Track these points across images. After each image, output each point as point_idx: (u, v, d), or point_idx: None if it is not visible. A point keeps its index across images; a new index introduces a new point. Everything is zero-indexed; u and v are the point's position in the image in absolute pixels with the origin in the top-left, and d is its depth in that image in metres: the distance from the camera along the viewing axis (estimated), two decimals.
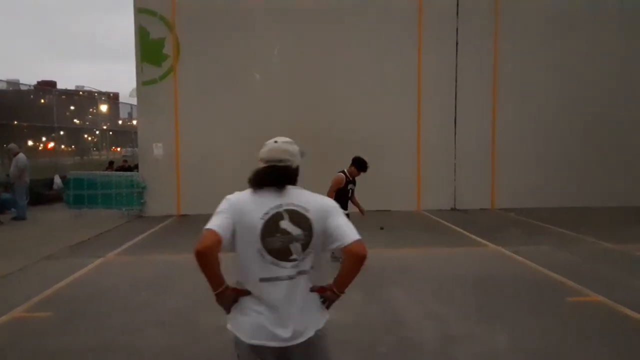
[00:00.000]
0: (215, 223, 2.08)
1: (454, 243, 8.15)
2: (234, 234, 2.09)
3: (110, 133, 25.56)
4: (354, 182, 6.73)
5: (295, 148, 2.26)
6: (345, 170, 6.67)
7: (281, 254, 2.10)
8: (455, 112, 11.81)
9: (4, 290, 5.74)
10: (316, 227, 2.11)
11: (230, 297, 2.17)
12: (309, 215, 2.12)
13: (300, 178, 2.24)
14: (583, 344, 4.04)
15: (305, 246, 2.11)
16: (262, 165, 2.21)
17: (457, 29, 11.67)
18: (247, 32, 11.52)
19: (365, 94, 11.54)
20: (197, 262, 2.06)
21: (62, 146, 19.97)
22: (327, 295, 2.22)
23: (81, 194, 11.45)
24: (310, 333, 2.13)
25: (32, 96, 20.35)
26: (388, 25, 11.68)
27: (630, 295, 5.17)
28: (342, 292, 2.23)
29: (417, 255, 7.08)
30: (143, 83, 11.43)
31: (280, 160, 2.18)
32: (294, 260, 2.11)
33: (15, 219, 10.95)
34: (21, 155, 11.18)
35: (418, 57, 11.69)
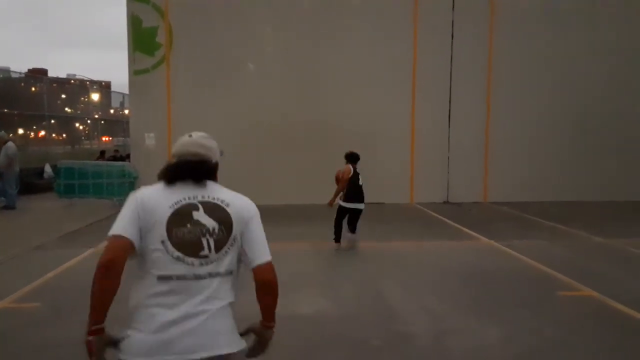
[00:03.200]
0: (120, 226, 1.80)
1: (447, 236, 8.17)
2: (141, 235, 1.79)
3: (102, 122, 25.30)
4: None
5: (213, 143, 2.05)
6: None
7: (190, 247, 1.77)
8: (450, 106, 11.79)
9: None
10: (236, 225, 1.84)
11: (103, 342, 1.78)
12: (229, 210, 1.85)
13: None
14: (574, 338, 4.05)
15: (220, 244, 1.80)
16: (174, 161, 1.95)
17: (452, 22, 11.62)
18: (241, 21, 11.40)
19: (360, 86, 11.48)
20: (96, 277, 1.74)
21: (53, 135, 19.77)
22: (259, 332, 1.97)
23: (72, 183, 11.33)
24: (215, 351, 1.74)
25: (22, 84, 20.08)
26: (383, 17, 11.60)
27: (621, 290, 5.20)
28: (272, 322, 2.02)
29: (410, 249, 7.07)
30: (135, 72, 11.28)
31: (196, 155, 1.93)
32: (205, 257, 1.78)
33: (4, 208, 10.81)
34: (10, 144, 11.02)
35: (413, 50, 11.63)
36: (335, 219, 6.92)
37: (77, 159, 13.71)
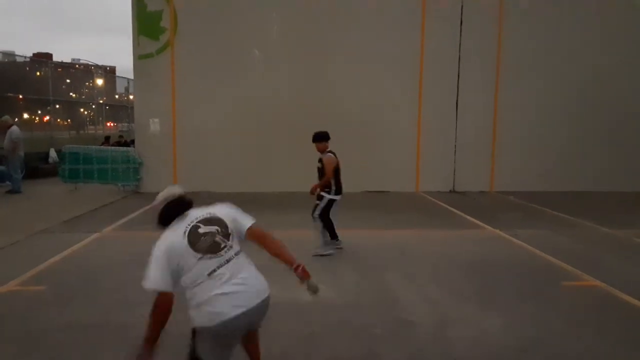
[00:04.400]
0: (157, 279, 2.56)
1: (452, 225, 8.13)
2: (174, 275, 2.54)
3: (107, 107, 25.27)
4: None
5: (177, 190, 2.81)
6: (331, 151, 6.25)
7: (213, 248, 2.56)
8: (457, 94, 11.66)
9: None
10: (225, 218, 2.70)
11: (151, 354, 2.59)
12: (216, 213, 2.71)
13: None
14: (578, 329, 4.03)
15: (226, 234, 2.63)
16: (162, 205, 2.72)
17: (461, 10, 11.44)
18: (246, 6, 11.27)
19: (367, 74, 11.36)
20: (156, 318, 2.58)
21: (58, 120, 19.76)
22: (299, 278, 2.74)
23: (77, 168, 11.36)
24: (266, 293, 2.64)
25: (27, 68, 20.04)
26: (392, 5, 11.44)
27: (626, 280, 5.17)
28: (295, 262, 2.73)
29: (415, 237, 7.04)
30: (139, 57, 11.21)
31: (178, 194, 2.77)
32: (225, 247, 2.59)
33: (10, 192, 10.87)
34: (14, 128, 11.04)
35: (421, 38, 11.48)
36: (325, 214, 6.11)
37: (82, 144, 13.72)
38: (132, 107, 16.67)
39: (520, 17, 11.51)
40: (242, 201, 9.44)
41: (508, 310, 4.39)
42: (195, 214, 2.69)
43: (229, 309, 2.46)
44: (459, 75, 11.62)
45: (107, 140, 16.21)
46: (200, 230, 2.59)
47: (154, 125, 11.41)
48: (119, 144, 15.46)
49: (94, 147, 12.43)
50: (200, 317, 2.50)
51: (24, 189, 11.07)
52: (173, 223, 2.66)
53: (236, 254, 2.62)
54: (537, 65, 11.64)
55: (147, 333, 2.56)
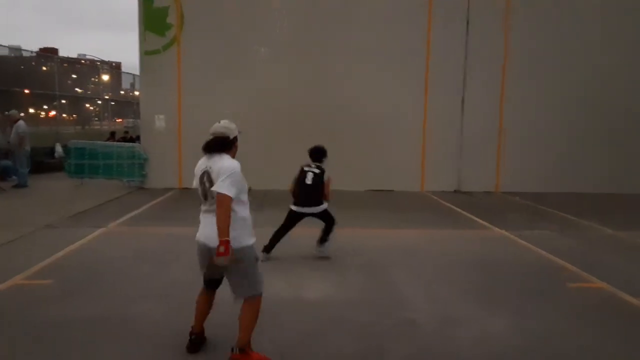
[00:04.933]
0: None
1: (457, 225, 8.11)
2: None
3: (113, 103, 25.33)
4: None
5: (232, 126, 3.47)
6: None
7: (202, 196, 3.29)
8: (464, 93, 11.62)
9: (4, 258, 5.73)
10: (215, 180, 3.17)
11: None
12: (212, 174, 3.20)
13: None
14: (583, 330, 4.02)
15: (213, 193, 3.14)
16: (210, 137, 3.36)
17: (468, 8, 11.39)
18: (252, 3, 11.27)
19: (372, 72, 11.34)
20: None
21: (64, 115, 19.81)
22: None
23: (82, 163, 11.40)
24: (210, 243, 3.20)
25: (33, 63, 20.09)
26: (397, 2, 11.40)
27: (631, 281, 5.15)
28: (222, 237, 3.05)
29: (420, 237, 7.03)
30: (146, 53, 11.22)
31: (216, 133, 3.38)
32: (208, 200, 3.25)
33: (16, 186, 10.92)
34: (21, 122, 11.09)
35: (427, 36, 11.44)
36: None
37: (87, 139, 13.77)
38: (137, 103, 16.71)
39: (526, 16, 11.45)
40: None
41: (512, 310, 4.38)
42: (212, 163, 3.27)
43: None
44: (464, 75, 11.58)
45: (112, 135, 16.26)
46: (204, 177, 3.31)
47: (160, 121, 11.43)
48: (124, 139, 15.51)
49: (99, 142, 12.48)
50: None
51: (30, 184, 11.12)
52: (207, 154, 3.33)
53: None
54: (543, 65, 11.59)
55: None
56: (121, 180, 11.42)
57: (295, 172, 5.98)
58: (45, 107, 19.45)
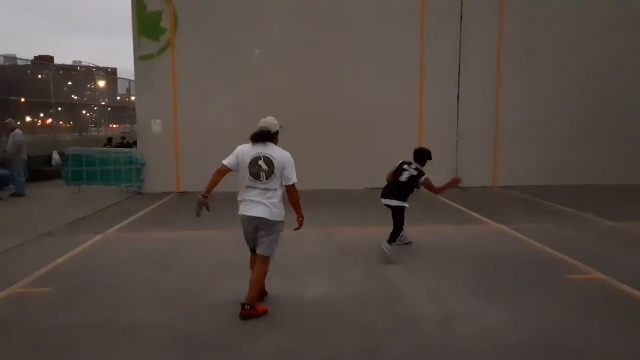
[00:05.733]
0: (227, 160, 4.16)
1: (455, 221, 8.12)
2: (238, 164, 4.11)
3: (109, 109, 25.34)
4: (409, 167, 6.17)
5: (275, 122, 4.24)
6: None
7: (255, 176, 4.05)
8: (459, 88, 11.63)
9: (3, 267, 5.74)
10: (277, 167, 4.03)
11: (202, 201, 4.16)
12: (274, 161, 4.04)
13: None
14: (582, 322, 4.03)
15: (268, 175, 4.03)
16: (257, 130, 4.17)
17: (461, 3, 11.40)
18: (247, 6, 11.26)
19: (368, 71, 11.34)
20: (213, 175, 4.17)
21: (61, 122, 19.81)
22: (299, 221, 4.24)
23: (80, 170, 11.39)
24: (264, 215, 4.04)
25: (29, 71, 20.09)
26: (390, 1, 11.41)
27: (630, 273, 5.16)
28: (299, 215, 4.22)
29: (418, 233, 7.03)
30: (140, 58, 11.22)
31: (265, 127, 4.17)
32: (262, 180, 4.04)
33: (14, 195, 10.92)
34: (18, 131, 11.09)
35: (421, 32, 11.46)
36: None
37: (85, 146, 13.77)
38: (134, 109, 16.70)
39: (521, 11, 11.45)
40: None
41: (512, 304, 4.39)
42: (267, 150, 4.08)
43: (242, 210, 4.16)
44: (459, 70, 11.59)
45: (109, 141, 16.26)
46: (259, 162, 4.03)
47: (156, 126, 11.44)
48: (121, 145, 15.50)
49: (96, 149, 12.47)
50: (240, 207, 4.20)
51: (28, 192, 11.12)
52: (256, 144, 4.13)
53: (268, 189, 4.04)
54: (538, 59, 11.60)
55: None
56: (119, 186, 11.42)
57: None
58: (41, 115, 19.45)
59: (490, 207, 9.08)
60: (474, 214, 8.49)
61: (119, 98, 30.36)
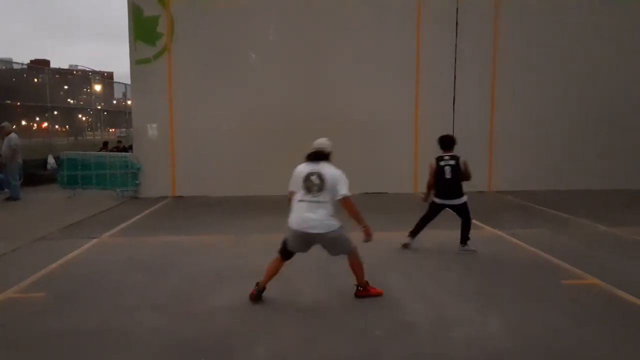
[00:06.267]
0: (291, 185, 4.58)
1: (451, 226, 8.08)
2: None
3: (105, 113, 25.28)
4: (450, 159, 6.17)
5: (328, 143, 4.66)
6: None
7: (308, 190, 4.40)
8: (454, 94, 11.68)
9: None
10: (328, 183, 4.39)
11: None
12: (325, 177, 4.40)
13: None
14: (578, 327, 4.03)
15: (319, 189, 4.38)
16: (312, 150, 4.57)
17: (457, 10, 11.47)
18: (243, 10, 11.28)
19: (364, 76, 11.38)
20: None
21: (56, 126, 19.75)
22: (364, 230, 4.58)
23: (75, 174, 11.35)
24: (319, 230, 4.36)
25: (25, 75, 20.05)
26: (387, 6, 11.46)
27: (625, 278, 5.18)
28: (362, 224, 4.55)
29: (414, 239, 7.03)
30: (136, 62, 11.22)
31: (319, 148, 4.59)
32: (313, 193, 4.40)
33: (8, 199, 10.86)
34: (13, 135, 11.05)
35: (417, 38, 11.51)
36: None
37: (81, 150, 13.73)
38: (130, 113, 16.67)
39: (516, 16, 11.55)
40: (240, 205, 9.60)
41: (508, 309, 4.40)
42: (319, 168, 4.46)
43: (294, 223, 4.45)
44: (455, 76, 11.64)
45: (105, 145, 16.22)
46: (311, 178, 4.41)
47: (152, 130, 11.41)
48: (117, 149, 15.47)
49: (92, 153, 12.43)
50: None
51: (23, 196, 11.06)
52: (309, 162, 4.53)
53: (318, 202, 4.37)
54: (533, 64, 11.68)
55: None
56: (114, 190, 11.38)
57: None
58: (37, 118, 19.40)
59: (486, 212, 9.09)
60: None
61: (114, 102, 30.30)
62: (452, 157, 6.17)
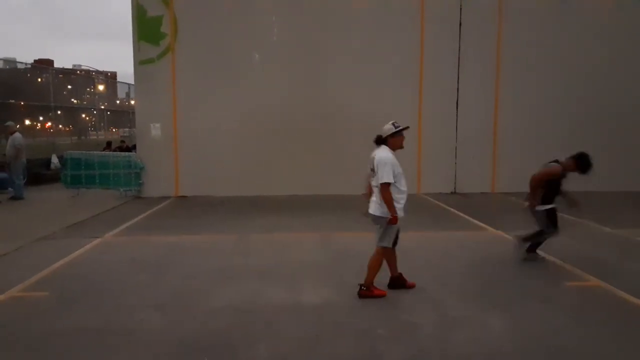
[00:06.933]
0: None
1: (454, 227, 8.12)
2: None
3: (108, 113, 25.35)
4: (565, 177, 6.27)
5: (387, 127, 4.74)
6: (560, 162, 6.35)
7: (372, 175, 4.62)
8: (457, 95, 11.66)
9: (0, 270, 5.71)
10: (376, 166, 4.54)
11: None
12: (374, 162, 4.56)
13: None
14: (581, 329, 4.02)
15: (374, 173, 4.58)
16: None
17: (460, 10, 11.46)
18: (246, 11, 11.31)
19: (367, 76, 11.38)
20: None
21: (60, 126, 19.82)
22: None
23: (79, 174, 11.39)
24: (372, 210, 4.65)
25: (29, 75, 20.12)
26: (390, 6, 11.46)
27: (629, 280, 5.16)
28: (391, 213, 4.53)
29: (417, 239, 7.03)
30: (140, 62, 11.24)
31: (381, 132, 4.71)
32: (373, 177, 4.60)
33: (12, 198, 10.90)
34: (17, 134, 11.09)
35: (421, 38, 11.50)
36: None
37: (84, 149, 13.76)
38: (133, 113, 16.72)
39: (519, 16, 11.51)
40: (243, 204, 9.60)
41: (512, 310, 4.38)
42: (376, 152, 4.66)
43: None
44: (458, 76, 11.63)
45: (108, 145, 16.26)
46: (371, 162, 4.66)
47: (155, 130, 11.44)
48: (120, 149, 15.50)
49: (95, 152, 12.47)
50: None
51: (27, 195, 11.10)
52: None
53: (376, 186, 4.58)
54: (537, 65, 11.65)
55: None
56: (118, 189, 11.41)
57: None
58: (41, 118, 19.46)
59: (489, 213, 9.08)
60: (473, 220, 8.48)
61: (118, 102, 30.38)
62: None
